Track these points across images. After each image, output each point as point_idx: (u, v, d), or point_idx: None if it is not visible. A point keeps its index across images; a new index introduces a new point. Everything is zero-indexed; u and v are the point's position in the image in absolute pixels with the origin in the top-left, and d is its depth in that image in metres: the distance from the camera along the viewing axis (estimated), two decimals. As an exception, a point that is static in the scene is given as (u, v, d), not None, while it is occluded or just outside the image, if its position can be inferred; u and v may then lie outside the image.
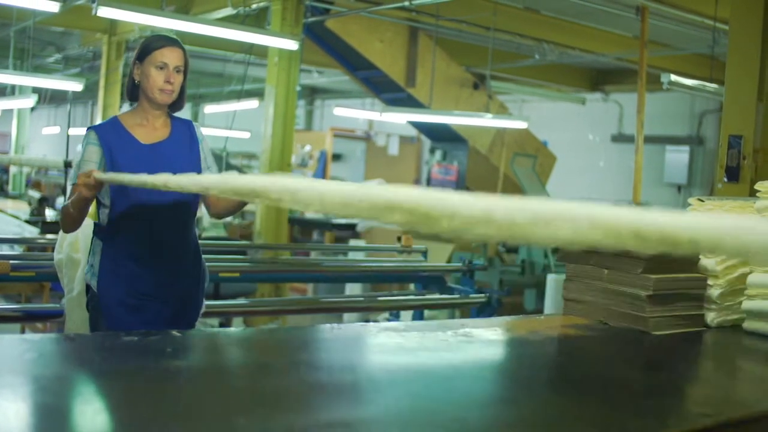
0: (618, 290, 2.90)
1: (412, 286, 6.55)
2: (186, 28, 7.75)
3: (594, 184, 16.01)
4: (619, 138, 16.06)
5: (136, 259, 3.47)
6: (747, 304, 2.98)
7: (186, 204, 3.61)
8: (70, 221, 3.42)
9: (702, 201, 3.56)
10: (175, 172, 3.41)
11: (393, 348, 2.40)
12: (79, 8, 9.41)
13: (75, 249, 3.99)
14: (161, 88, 3.49)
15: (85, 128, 3.60)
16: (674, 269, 2.94)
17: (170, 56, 3.52)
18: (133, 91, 3.61)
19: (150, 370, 1.88)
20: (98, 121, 12.71)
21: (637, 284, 2.84)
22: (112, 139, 3.47)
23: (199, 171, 3.59)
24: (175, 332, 2.30)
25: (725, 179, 5.32)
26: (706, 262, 3.03)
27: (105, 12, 6.74)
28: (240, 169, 15.56)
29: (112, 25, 12.27)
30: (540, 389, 2.09)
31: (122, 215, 3.47)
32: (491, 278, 9.47)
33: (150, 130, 3.57)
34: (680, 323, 2.92)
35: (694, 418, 1.81)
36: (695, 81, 8.76)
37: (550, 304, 8.13)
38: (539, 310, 9.13)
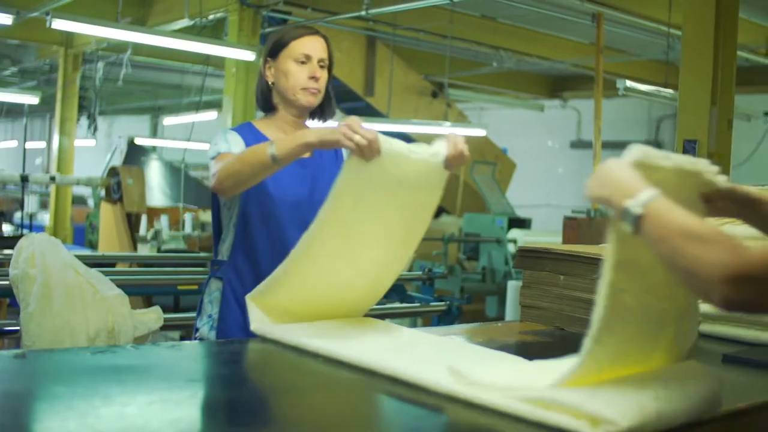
0: (574, 296, 2.91)
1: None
2: (143, 40, 7.73)
3: (553, 190, 16.10)
4: (578, 144, 16.17)
5: None
6: (703, 307, 3.00)
7: None
8: (250, 171, 2.56)
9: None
10: (316, 197, 2.78)
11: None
12: (34, 21, 9.33)
13: (31, 264, 3.93)
14: (305, 86, 2.86)
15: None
16: (630, 274, 2.95)
17: (313, 47, 2.89)
18: (267, 98, 2.98)
19: (102, 388, 1.86)
20: (56, 135, 12.63)
21: (593, 289, 2.84)
22: (250, 141, 2.82)
23: None
24: (129, 346, 2.28)
25: (680, 183, 5.37)
26: (662, 266, 3.05)
27: (59, 24, 6.71)
28: (199, 181, 15.48)
29: (68, 38, 12.18)
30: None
31: (250, 241, 2.83)
32: (452, 286, 9.49)
33: None
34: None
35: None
36: (651, 87, 8.84)
37: (511, 311, 8.14)
38: (501, 317, 9.15)
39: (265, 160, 2.49)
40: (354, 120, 2.27)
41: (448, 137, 2.41)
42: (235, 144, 2.79)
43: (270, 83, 2.93)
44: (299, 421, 1.71)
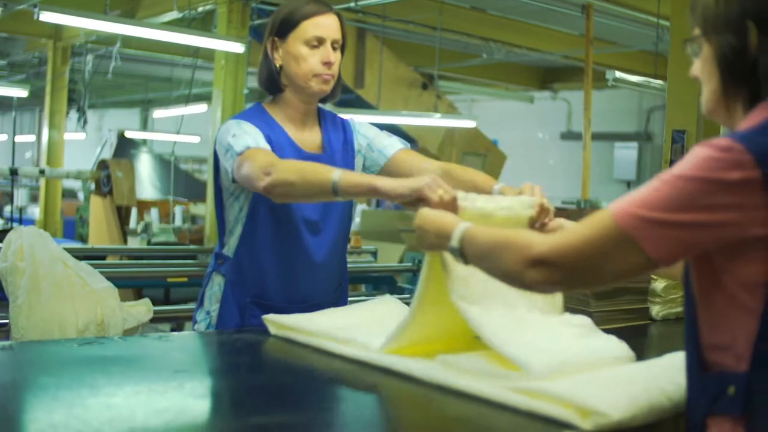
0: (562, 286, 2.90)
1: (363, 287, 6.54)
2: (131, 33, 7.71)
3: (544, 182, 15.74)
4: (568, 135, 16.18)
5: (271, 306, 2.59)
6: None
7: (347, 216, 2.77)
8: (305, 190, 2.32)
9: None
10: None
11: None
12: (22, 13, 9.29)
13: (19, 257, 3.92)
14: (318, 72, 2.58)
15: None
16: (618, 264, 2.95)
17: (326, 27, 2.58)
18: (274, 81, 2.67)
19: (89, 379, 1.86)
20: (45, 128, 12.58)
21: (581, 280, 2.84)
22: (265, 130, 2.58)
23: None
24: (117, 338, 2.28)
25: (670, 174, 5.38)
26: (650, 256, 3.05)
27: (47, 17, 6.67)
28: (190, 174, 15.45)
29: (57, 31, 12.12)
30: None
31: (257, 240, 2.63)
32: (443, 277, 9.48)
33: (301, 133, 2.70)
34: (625, 317, 2.94)
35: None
36: (640, 78, 8.83)
37: (501, 301, 8.15)
38: (492, 308, 9.15)
39: (326, 186, 2.25)
40: (436, 179, 2.11)
41: (531, 190, 2.33)
42: (258, 137, 2.52)
43: (278, 66, 2.64)
44: (287, 411, 1.71)
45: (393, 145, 2.79)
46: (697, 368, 1.60)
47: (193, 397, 1.77)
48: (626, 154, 15.39)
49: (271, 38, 2.64)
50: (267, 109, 2.70)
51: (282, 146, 2.58)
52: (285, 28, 2.59)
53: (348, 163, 2.74)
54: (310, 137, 2.72)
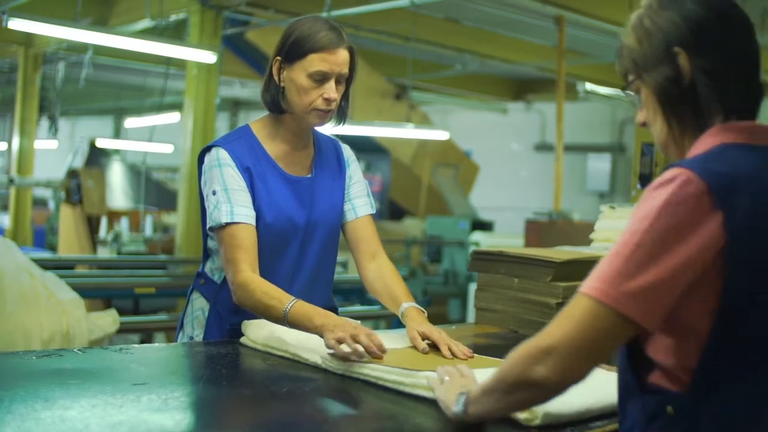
0: (528, 298, 2.91)
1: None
2: (103, 41, 7.66)
3: (517, 193, 16.14)
4: (542, 147, 16.23)
5: None
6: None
7: (333, 241, 2.77)
8: (262, 315, 2.42)
9: (613, 208, 3.60)
10: (313, 219, 2.65)
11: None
12: (-8, 20, 9.25)
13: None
14: (317, 107, 2.52)
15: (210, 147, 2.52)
16: (583, 276, 2.95)
17: (334, 62, 2.49)
18: (276, 101, 2.59)
19: (44, 392, 1.83)
20: (15, 137, 12.48)
21: (547, 292, 2.85)
22: (249, 160, 2.57)
23: (340, 204, 2.77)
24: (76, 350, 2.26)
25: (638, 186, 5.39)
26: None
27: (17, 24, 6.60)
28: (162, 183, 15.37)
29: (28, 38, 12.04)
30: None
31: None
32: (414, 288, 9.47)
33: (291, 154, 2.66)
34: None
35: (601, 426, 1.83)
36: (612, 90, 8.86)
37: (473, 313, 8.15)
38: (464, 320, 9.16)
39: (277, 319, 2.34)
40: (355, 330, 2.18)
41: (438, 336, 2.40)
42: (237, 199, 2.50)
43: (281, 86, 2.56)
44: (247, 424, 1.69)
45: (365, 207, 2.81)
46: (634, 387, 1.60)
47: (150, 411, 1.75)
48: (599, 165, 15.47)
49: (280, 60, 2.55)
50: (254, 132, 2.64)
51: (264, 173, 2.57)
52: (293, 54, 2.50)
53: (337, 184, 2.76)
54: (299, 158, 2.68)
